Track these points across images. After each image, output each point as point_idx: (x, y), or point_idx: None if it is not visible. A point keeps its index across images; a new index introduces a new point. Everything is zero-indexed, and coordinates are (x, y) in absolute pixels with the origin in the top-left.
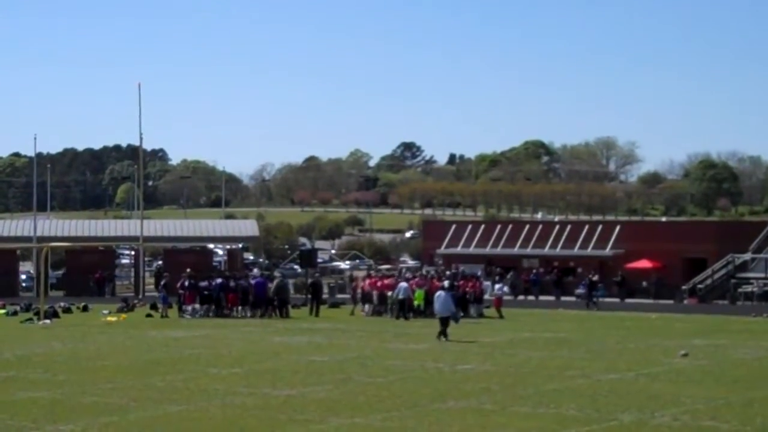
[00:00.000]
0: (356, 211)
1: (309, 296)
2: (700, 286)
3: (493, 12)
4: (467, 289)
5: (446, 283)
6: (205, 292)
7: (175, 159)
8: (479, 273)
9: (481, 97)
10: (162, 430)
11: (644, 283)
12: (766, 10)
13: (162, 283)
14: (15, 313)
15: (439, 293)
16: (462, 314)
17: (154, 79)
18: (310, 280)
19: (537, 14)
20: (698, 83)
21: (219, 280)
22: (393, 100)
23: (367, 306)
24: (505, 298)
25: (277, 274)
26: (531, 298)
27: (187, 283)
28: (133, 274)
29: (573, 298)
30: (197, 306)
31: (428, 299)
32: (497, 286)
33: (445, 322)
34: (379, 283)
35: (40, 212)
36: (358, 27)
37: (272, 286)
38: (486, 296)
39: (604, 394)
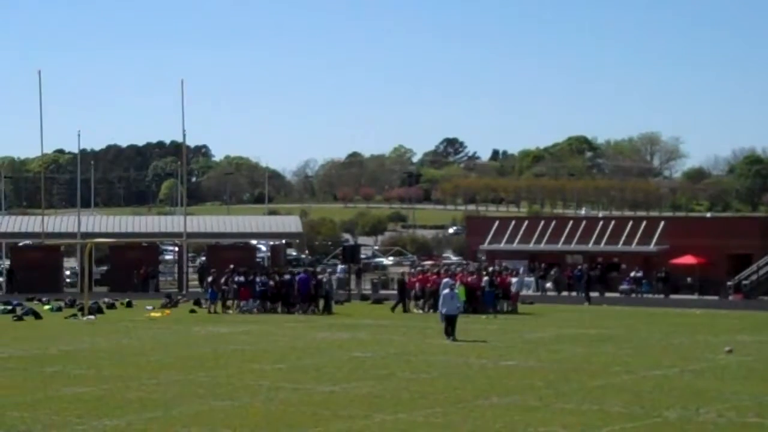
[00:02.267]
0: (399, 207)
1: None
2: (745, 282)
3: (536, 7)
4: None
5: (486, 280)
6: (262, 288)
7: (218, 155)
8: (522, 269)
9: (525, 93)
10: (206, 426)
11: (689, 279)
12: None
13: (210, 279)
14: (60, 309)
15: (446, 291)
16: (492, 310)
17: (198, 76)
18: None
19: (580, 9)
20: (743, 78)
21: (304, 275)
22: (436, 95)
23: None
24: (549, 294)
25: (323, 269)
26: (574, 294)
27: (243, 279)
28: (176, 270)
29: (618, 294)
30: (251, 301)
31: (470, 295)
32: (514, 280)
33: (453, 321)
34: (429, 280)
35: (84, 208)
36: (401, 23)
37: (325, 281)
38: (529, 292)
39: (649, 391)
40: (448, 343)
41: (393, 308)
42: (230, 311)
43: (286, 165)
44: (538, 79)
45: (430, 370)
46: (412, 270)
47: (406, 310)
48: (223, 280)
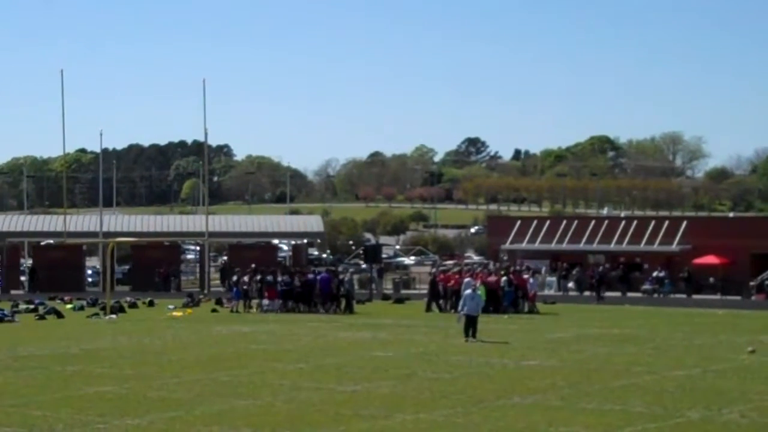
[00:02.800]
0: (421, 206)
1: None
2: (767, 282)
3: (557, 7)
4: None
5: (504, 280)
6: (284, 287)
7: (239, 154)
8: (544, 269)
9: (547, 93)
10: (227, 425)
11: (711, 279)
12: None
13: (234, 279)
14: (81, 308)
15: (468, 291)
16: (513, 310)
17: (219, 75)
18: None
19: (602, 9)
20: (766, 78)
21: (325, 275)
22: (458, 95)
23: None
24: (571, 293)
25: (344, 269)
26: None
27: (271, 279)
28: (198, 269)
29: (640, 294)
30: (276, 301)
31: (490, 295)
32: (531, 280)
33: (474, 321)
34: (450, 279)
35: (105, 208)
36: (421, 22)
37: (346, 281)
38: (551, 292)
39: (671, 391)
40: (468, 343)
41: (437, 308)
42: (252, 310)
43: (307, 164)
44: (559, 79)
45: (452, 370)
46: (437, 269)
47: (429, 309)
48: (246, 279)
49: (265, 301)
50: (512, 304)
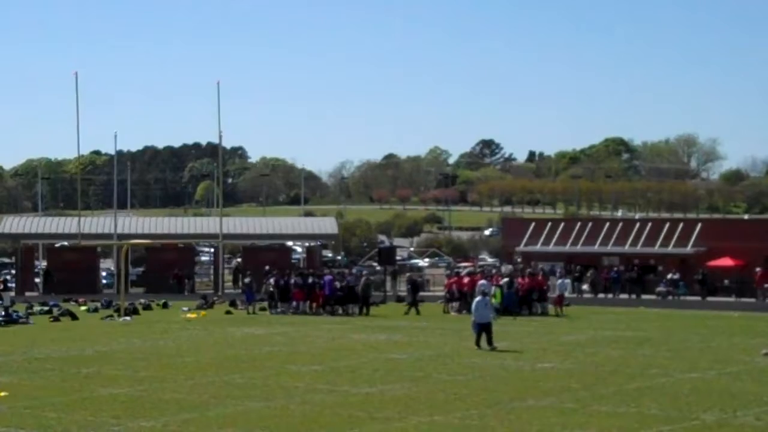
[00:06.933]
0: (435, 208)
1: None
2: None
3: (573, 10)
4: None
5: (505, 281)
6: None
7: (254, 156)
8: (558, 271)
9: (561, 95)
10: (241, 427)
11: (726, 282)
12: None
13: (246, 281)
14: (96, 310)
15: (479, 298)
16: (527, 312)
17: (234, 77)
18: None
19: (616, 11)
20: None
21: (329, 276)
22: (472, 97)
23: (454, 304)
24: (586, 296)
25: (362, 272)
26: (610, 296)
27: (300, 281)
28: (212, 271)
29: (654, 297)
30: (303, 303)
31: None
32: (558, 282)
33: (488, 328)
34: (464, 281)
35: (120, 210)
36: (436, 24)
37: (363, 283)
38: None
39: (686, 393)
40: (479, 350)
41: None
42: (277, 311)
43: (322, 166)
44: (574, 81)
45: (466, 372)
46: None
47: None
48: (274, 281)
49: (301, 303)
50: (514, 307)
